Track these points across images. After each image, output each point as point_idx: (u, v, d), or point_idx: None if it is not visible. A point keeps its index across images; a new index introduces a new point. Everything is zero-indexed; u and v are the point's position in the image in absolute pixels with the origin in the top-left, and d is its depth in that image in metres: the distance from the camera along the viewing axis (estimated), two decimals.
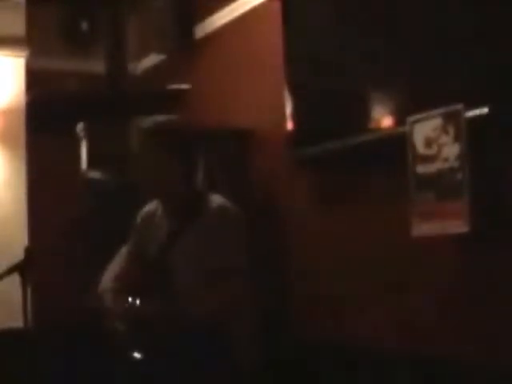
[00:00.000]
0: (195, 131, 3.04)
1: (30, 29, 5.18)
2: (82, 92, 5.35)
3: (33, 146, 5.13)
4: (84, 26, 5.85)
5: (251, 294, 2.90)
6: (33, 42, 5.21)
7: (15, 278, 2.91)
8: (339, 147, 3.47)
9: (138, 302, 2.80)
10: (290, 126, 3.82)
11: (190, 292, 2.78)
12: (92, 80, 5.52)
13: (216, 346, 2.78)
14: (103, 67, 5.47)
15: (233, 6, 4.60)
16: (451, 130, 2.82)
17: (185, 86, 5.18)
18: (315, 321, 3.88)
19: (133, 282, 2.94)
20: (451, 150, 2.82)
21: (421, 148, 2.95)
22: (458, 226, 2.80)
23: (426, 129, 2.93)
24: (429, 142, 2.92)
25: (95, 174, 4.45)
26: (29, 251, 2.96)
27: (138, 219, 3.07)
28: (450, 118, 2.82)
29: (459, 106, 2.78)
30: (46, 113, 5.18)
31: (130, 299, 2.81)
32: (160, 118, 2.92)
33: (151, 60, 5.69)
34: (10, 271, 2.91)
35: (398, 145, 3.02)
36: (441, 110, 2.86)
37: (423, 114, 2.93)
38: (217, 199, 2.90)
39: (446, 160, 2.84)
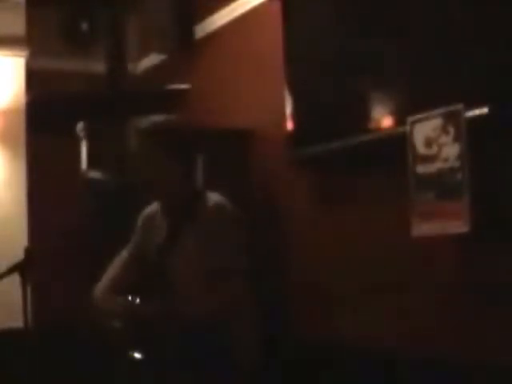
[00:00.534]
0: (195, 131, 3.04)
1: (30, 29, 5.18)
2: (81, 92, 5.35)
3: (33, 146, 5.12)
4: (84, 26, 5.85)
5: (251, 294, 2.90)
6: (33, 42, 5.21)
7: (15, 278, 2.91)
8: (339, 147, 3.47)
9: (137, 301, 2.80)
10: (289, 125, 3.82)
11: (189, 292, 2.78)
12: (92, 80, 5.52)
13: (216, 346, 2.78)
14: (103, 67, 5.47)
15: (233, 5, 4.60)
16: (451, 130, 2.82)
17: (185, 86, 5.18)
18: (315, 321, 3.88)
19: (132, 283, 2.94)
20: (451, 150, 2.82)
21: (421, 148, 2.95)
22: (458, 226, 2.80)
23: (425, 129, 2.93)
24: (429, 142, 2.91)
25: (95, 174, 4.44)
26: (29, 251, 2.96)
27: (139, 221, 3.07)
28: (450, 118, 2.82)
29: (459, 106, 2.78)
30: (46, 113, 5.17)
31: (129, 299, 2.81)
32: (159, 117, 2.92)
33: (151, 60, 5.69)
34: (10, 271, 2.91)
35: (398, 145, 3.02)
36: (441, 110, 2.86)
37: (423, 114, 2.93)
38: (214, 197, 2.90)
39: (445, 160, 2.84)
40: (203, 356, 2.75)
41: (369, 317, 3.47)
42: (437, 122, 2.87)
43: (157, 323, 2.77)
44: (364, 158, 3.41)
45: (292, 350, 3.93)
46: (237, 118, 4.49)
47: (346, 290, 3.64)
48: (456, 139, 2.80)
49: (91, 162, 4.49)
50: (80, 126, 4.53)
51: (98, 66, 5.49)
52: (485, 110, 2.70)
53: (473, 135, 2.75)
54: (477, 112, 2.72)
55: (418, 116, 2.96)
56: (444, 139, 2.85)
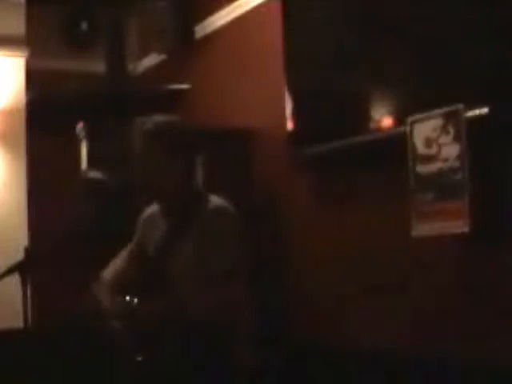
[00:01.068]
0: (195, 131, 3.04)
1: (30, 29, 5.18)
2: (82, 92, 5.34)
3: (33, 146, 5.12)
4: (84, 26, 5.86)
5: (251, 295, 2.90)
6: (33, 42, 5.21)
7: (15, 278, 2.91)
8: (339, 147, 3.47)
9: (136, 301, 2.80)
10: (290, 125, 3.82)
11: (189, 293, 2.77)
12: (92, 80, 5.52)
13: (216, 346, 2.78)
14: (103, 67, 5.46)
15: (233, 5, 4.60)
16: (451, 130, 2.82)
17: (185, 86, 5.18)
18: (315, 321, 3.88)
19: (132, 282, 2.94)
20: (451, 150, 2.82)
21: (421, 148, 2.95)
22: (458, 226, 2.80)
23: (425, 129, 2.93)
24: (429, 142, 2.91)
25: (95, 174, 4.45)
26: (29, 251, 2.96)
27: (140, 220, 3.07)
28: (450, 118, 2.82)
29: (459, 106, 2.78)
30: (46, 113, 5.17)
31: (127, 299, 2.81)
32: (160, 118, 2.92)
33: (151, 60, 5.69)
34: (10, 271, 2.91)
35: (397, 145, 3.02)
36: (441, 110, 2.86)
37: (423, 114, 2.93)
38: (215, 200, 2.89)
39: (445, 160, 2.84)
40: (203, 356, 2.75)
41: (369, 317, 3.47)
42: (437, 122, 2.87)
43: (156, 323, 2.77)
44: (364, 158, 3.41)
45: (292, 350, 3.93)
46: (237, 118, 4.49)
47: (346, 289, 3.64)
48: (456, 139, 2.80)
49: (91, 162, 4.49)
50: (80, 125, 4.54)
51: (98, 66, 5.48)
52: (485, 110, 2.70)
53: (473, 135, 2.75)
54: (477, 112, 2.72)
55: (418, 116, 2.96)
56: (444, 139, 2.85)
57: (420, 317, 3.20)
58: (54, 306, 4.80)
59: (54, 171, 5.23)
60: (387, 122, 3.25)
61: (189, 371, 2.75)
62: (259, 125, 4.30)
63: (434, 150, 2.89)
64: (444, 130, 2.85)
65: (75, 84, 5.51)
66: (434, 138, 2.89)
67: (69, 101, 5.18)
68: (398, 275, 3.31)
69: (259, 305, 3.04)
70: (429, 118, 2.91)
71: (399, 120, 3.11)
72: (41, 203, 5.09)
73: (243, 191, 4.15)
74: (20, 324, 3.04)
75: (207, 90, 4.93)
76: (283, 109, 3.85)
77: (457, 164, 2.80)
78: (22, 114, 5.13)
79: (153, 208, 3.02)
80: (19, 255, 3.15)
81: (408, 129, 2.99)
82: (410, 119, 2.99)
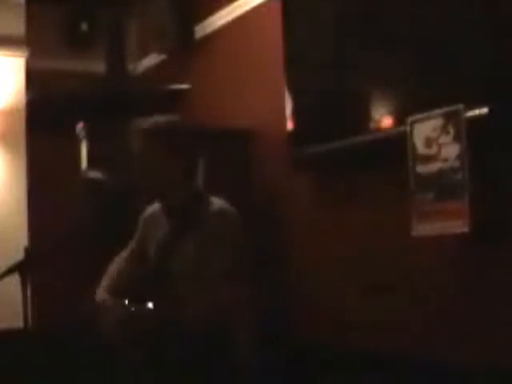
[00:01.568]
0: (195, 131, 3.03)
1: (30, 29, 5.18)
2: (82, 92, 5.35)
3: (33, 146, 5.13)
4: (84, 26, 5.86)
5: (251, 295, 2.90)
6: (33, 42, 5.21)
7: (15, 278, 2.91)
8: (339, 147, 3.47)
9: (136, 303, 2.80)
10: (290, 125, 3.82)
11: (189, 293, 2.77)
12: (92, 80, 5.52)
13: (216, 346, 2.78)
14: (103, 67, 5.46)
15: (233, 5, 4.60)
16: (451, 130, 2.82)
17: (185, 86, 5.18)
18: (315, 321, 3.88)
19: (133, 283, 2.94)
20: (451, 150, 2.82)
21: (421, 148, 2.95)
22: (458, 226, 2.80)
23: (426, 129, 2.93)
24: (429, 142, 2.92)
25: (95, 174, 4.44)
26: (29, 251, 2.96)
27: (141, 219, 3.07)
28: (450, 118, 2.82)
29: (459, 106, 2.78)
30: (46, 113, 5.18)
31: (127, 301, 2.81)
32: (160, 118, 2.91)
33: (151, 60, 5.69)
34: (10, 271, 2.91)
35: (397, 145, 3.02)
36: (441, 110, 2.86)
37: (423, 114, 2.93)
38: (217, 202, 2.89)
39: (445, 160, 2.84)
40: (203, 356, 2.75)
41: (369, 317, 3.47)
42: (437, 122, 2.87)
43: (156, 324, 2.76)
44: (364, 158, 3.41)
45: (292, 350, 3.93)
46: (237, 118, 4.49)
47: (346, 289, 3.64)
48: (456, 139, 2.80)
49: (91, 162, 4.49)
50: (80, 125, 4.54)
51: (98, 66, 5.49)
52: (485, 110, 2.70)
53: (473, 135, 2.75)
54: (477, 112, 2.72)
55: (418, 116, 2.96)
56: (444, 139, 2.85)
57: (420, 317, 3.20)
58: (53, 306, 4.80)
59: (54, 171, 5.23)
60: (387, 122, 3.25)
61: (189, 371, 2.75)
62: (259, 125, 4.30)
63: (434, 150, 2.89)
64: (444, 129, 2.85)
65: (75, 84, 5.52)
66: (433, 138, 2.89)
67: (69, 101, 5.18)
68: (398, 275, 3.31)
69: (259, 305, 3.04)
70: (429, 118, 2.91)
71: (399, 120, 3.11)
72: (41, 203, 5.09)
73: (243, 191, 4.15)
74: (20, 324, 3.04)
75: (207, 90, 4.93)
76: (283, 109, 3.85)
77: (457, 164, 2.80)
78: (22, 114, 5.13)
79: (154, 207, 3.02)
80: (19, 255, 3.15)
81: (408, 129, 2.99)
82: (410, 119, 2.99)
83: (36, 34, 5.28)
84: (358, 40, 3.39)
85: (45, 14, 5.56)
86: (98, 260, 3.20)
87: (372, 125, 3.33)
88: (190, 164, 2.94)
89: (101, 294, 2.96)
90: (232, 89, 4.65)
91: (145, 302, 2.80)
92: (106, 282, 3.01)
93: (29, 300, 2.96)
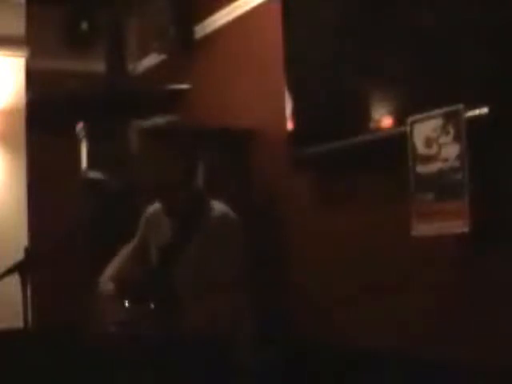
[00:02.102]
0: (195, 131, 3.03)
1: (30, 29, 5.18)
2: (82, 92, 5.35)
3: (33, 146, 5.13)
4: (84, 26, 5.86)
5: (251, 295, 2.90)
6: (33, 42, 5.21)
7: (15, 278, 2.91)
8: (339, 147, 3.47)
9: (136, 305, 2.80)
10: (290, 125, 3.82)
11: (190, 296, 2.77)
12: (92, 80, 5.52)
13: (216, 346, 2.78)
14: (103, 67, 5.47)
15: (233, 5, 4.60)
16: (451, 130, 2.82)
17: (185, 86, 5.18)
18: (315, 321, 3.88)
19: (133, 282, 2.94)
20: (451, 150, 2.82)
21: (421, 148, 2.95)
22: (458, 226, 2.80)
23: (426, 129, 2.93)
24: (429, 142, 2.92)
25: (95, 174, 4.44)
26: (29, 251, 2.96)
27: (143, 218, 3.07)
28: (450, 118, 2.82)
29: (459, 106, 2.78)
30: (46, 113, 5.18)
31: (127, 303, 2.81)
32: (160, 118, 2.92)
33: (151, 60, 5.69)
34: (10, 271, 2.91)
35: (397, 145, 3.02)
36: (441, 110, 2.86)
37: (423, 114, 2.93)
38: (219, 206, 2.88)
39: (445, 160, 2.84)
40: (203, 357, 2.75)
41: (369, 317, 3.47)
42: (437, 122, 2.87)
43: (156, 325, 2.76)
44: (364, 158, 3.41)
45: (292, 350, 3.93)
46: (237, 118, 4.49)
47: (346, 289, 3.64)
48: (456, 139, 2.80)
49: (91, 162, 4.49)
50: (80, 125, 4.53)
51: (98, 66, 5.49)
52: (485, 110, 2.70)
53: (473, 135, 2.75)
54: (477, 112, 2.72)
55: (418, 116, 2.96)
56: (444, 139, 2.85)
57: (420, 317, 3.20)
58: (53, 306, 4.80)
59: (53, 171, 5.23)
60: (387, 121, 3.25)
61: (189, 371, 2.75)
62: (259, 125, 4.30)
63: (434, 150, 2.89)
64: (444, 129, 2.85)
65: (75, 84, 5.52)
66: (434, 138, 2.89)
67: (69, 101, 5.18)
68: (398, 275, 3.31)
69: (259, 305, 3.04)
70: (429, 118, 2.91)
71: (399, 120, 3.11)
72: (41, 203, 5.09)
73: (243, 191, 4.15)
74: (20, 324, 3.04)
75: (207, 89, 4.93)
76: (283, 109, 3.85)
77: (457, 164, 2.80)
78: (22, 114, 5.13)
79: (156, 206, 3.02)
80: (19, 255, 3.15)
81: (408, 129, 2.99)
82: (410, 119, 2.99)
83: (36, 33, 5.28)
84: (358, 40, 3.39)
85: (45, 13, 5.56)
86: (97, 260, 3.21)
87: (372, 125, 3.33)
88: (189, 164, 2.94)
89: (105, 282, 2.97)
90: (232, 89, 4.65)
91: (145, 302, 2.80)
92: (110, 271, 3.01)
93: (29, 300, 2.96)
